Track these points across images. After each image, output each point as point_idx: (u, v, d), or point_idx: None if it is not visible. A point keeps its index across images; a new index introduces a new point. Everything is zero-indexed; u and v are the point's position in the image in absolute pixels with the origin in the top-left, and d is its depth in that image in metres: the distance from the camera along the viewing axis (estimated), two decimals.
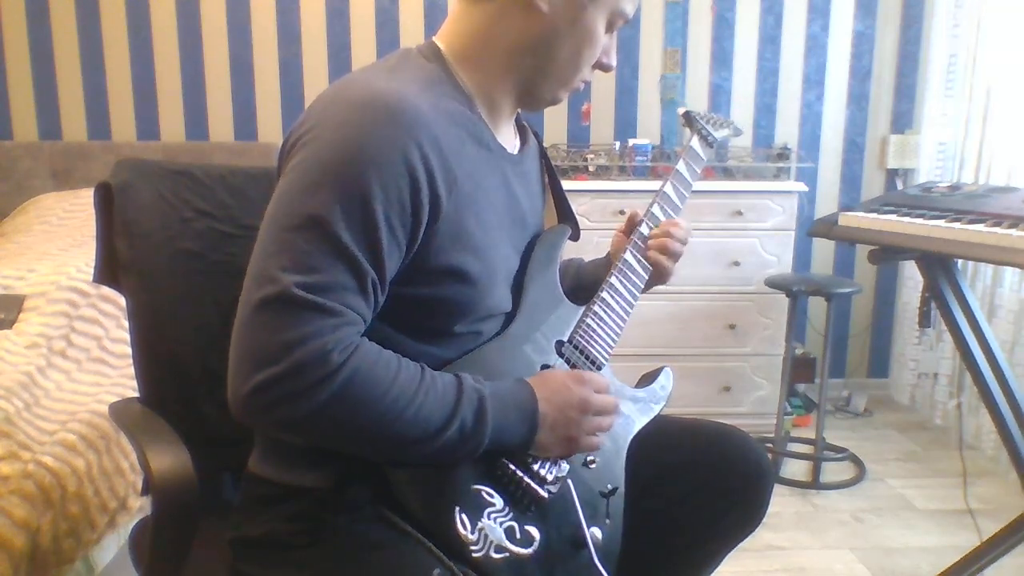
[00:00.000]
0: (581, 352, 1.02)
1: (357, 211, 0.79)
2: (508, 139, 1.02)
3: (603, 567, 0.97)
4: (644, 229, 1.13)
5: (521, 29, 0.92)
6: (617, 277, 1.09)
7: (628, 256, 1.11)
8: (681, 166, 1.21)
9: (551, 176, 1.16)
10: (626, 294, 1.09)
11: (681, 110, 1.33)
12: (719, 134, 1.29)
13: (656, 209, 1.16)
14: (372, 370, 0.80)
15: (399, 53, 0.95)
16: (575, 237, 1.14)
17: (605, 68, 1.00)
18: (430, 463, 0.86)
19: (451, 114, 0.90)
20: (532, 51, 0.93)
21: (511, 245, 1.00)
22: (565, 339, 1.03)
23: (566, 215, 1.14)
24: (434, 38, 0.97)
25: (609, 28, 0.96)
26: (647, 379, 1.16)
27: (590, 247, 2.76)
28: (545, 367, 0.99)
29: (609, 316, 1.06)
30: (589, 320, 1.04)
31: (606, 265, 1.17)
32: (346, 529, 0.87)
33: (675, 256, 1.13)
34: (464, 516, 0.87)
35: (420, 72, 0.91)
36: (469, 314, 0.93)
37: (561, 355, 1.01)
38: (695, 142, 1.25)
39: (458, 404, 0.84)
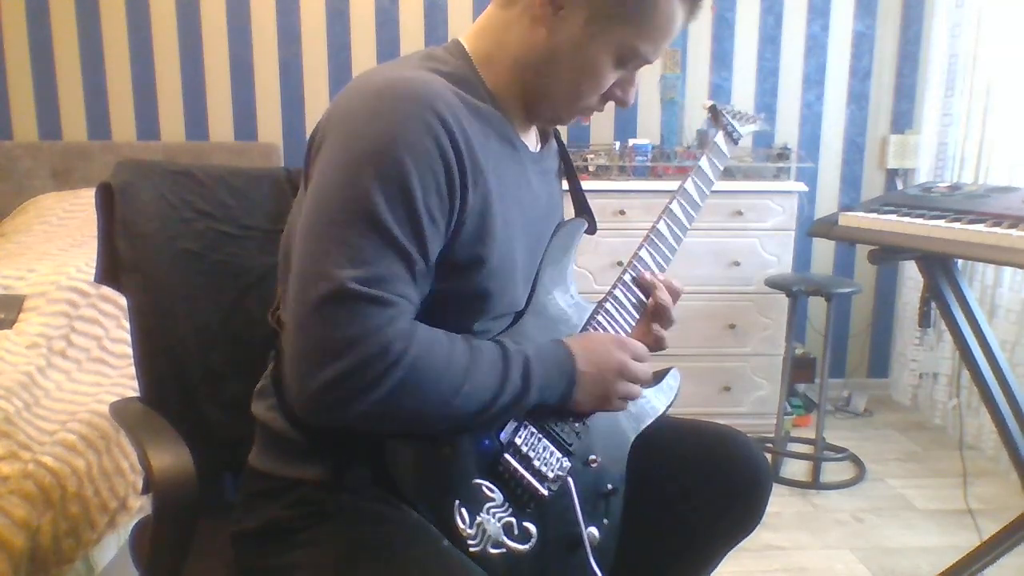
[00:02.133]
0: None
1: (398, 198, 0.80)
2: (529, 138, 1.02)
3: (598, 567, 0.97)
4: (662, 227, 1.12)
5: (528, 41, 0.91)
6: (630, 274, 1.08)
7: (643, 253, 1.09)
8: (704, 163, 1.19)
9: (569, 172, 1.16)
10: (638, 292, 1.08)
11: (707, 103, 1.29)
12: (745, 129, 1.26)
13: (675, 207, 1.14)
14: (430, 353, 0.81)
15: (424, 52, 0.96)
16: (591, 231, 1.14)
17: (619, 102, 0.98)
18: (485, 426, 0.89)
19: (476, 109, 0.90)
20: (534, 67, 0.92)
21: (532, 242, 1.00)
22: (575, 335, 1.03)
23: (583, 209, 1.14)
24: (460, 37, 0.97)
25: (621, 64, 0.93)
26: (654, 378, 1.15)
27: (589, 247, 2.77)
28: None
29: (620, 313, 1.06)
30: (600, 317, 1.04)
31: None
32: (351, 506, 0.88)
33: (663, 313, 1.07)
34: (464, 510, 0.87)
35: (445, 67, 0.91)
36: (488, 310, 0.93)
37: None
38: (720, 138, 1.22)
39: (507, 370, 0.86)
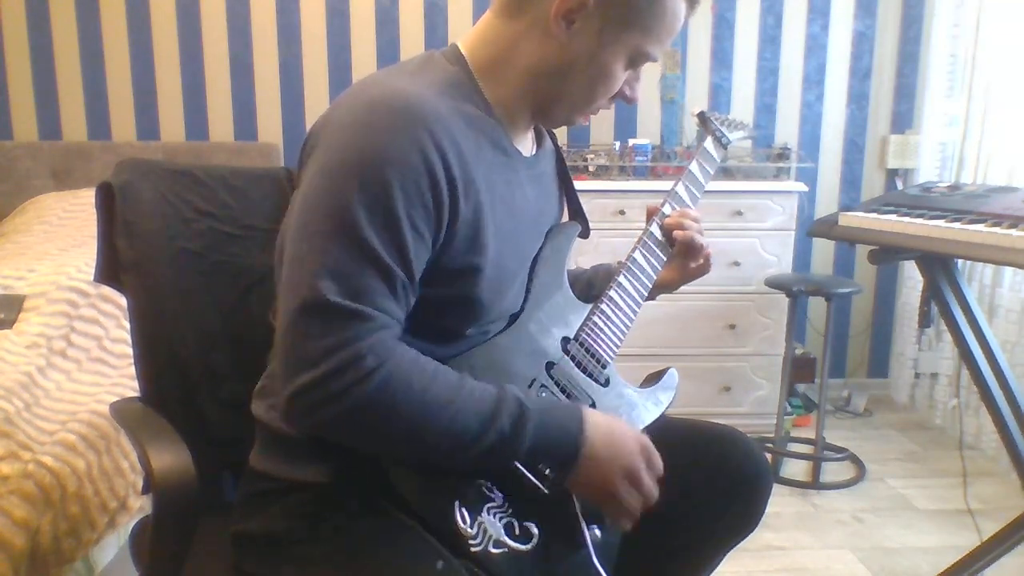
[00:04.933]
0: (587, 350, 1.02)
1: (379, 212, 0.80)
2: (524, 142, 1.02)
3: (600, 566, 0.97)
4: (654, 228, 1.13)
5: (540, 54, 0.92)
6: (626, 276, 1.08)
7: (637, 255, 1.10)
8: (694, 167, 1.21)
9: (564, 176, 1.16)
10: (634, 293, 1.09)
11: (695, 110, 1.32)
12: (733, 136, 1.28)
13: (667, 209, 1.15)
14: (408, 375, 0.80)
15: (423, 56, 0.96)
16: (585, 235, 1.14)
17: (627, 100, 1.00)
18: (466, 471, 0.87)
19: (469, 118, 0.90)
20: (547, 77, 0.93)
21: (526, 247, 1.00)
22: (571, 336, 1.03)
23: (576, 213, 1.15)
24: (458, 42, 0.97)
25: (631, 66, 0.95)
26: (652, 379, 1.16)
27: (589, 247, 2.76)
28: (550, 364, 0.99)
29: (616, 315, 1.06)
30: (596, 318, 1.04)
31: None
32: (347, 526, 0.88)
33: (692, 241, 1.12)
34: (464, 510, 0.87)
35: (442, 75, 0.91)
36: (483, 316, 0.93)
37: (567, 352, 1.01)
38: (709, 143, 1.24)
39: (496, 414, 0.83)
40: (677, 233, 1.12)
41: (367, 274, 0.79)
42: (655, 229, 1.13)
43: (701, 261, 1.16)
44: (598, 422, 0.89)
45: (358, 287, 0.79)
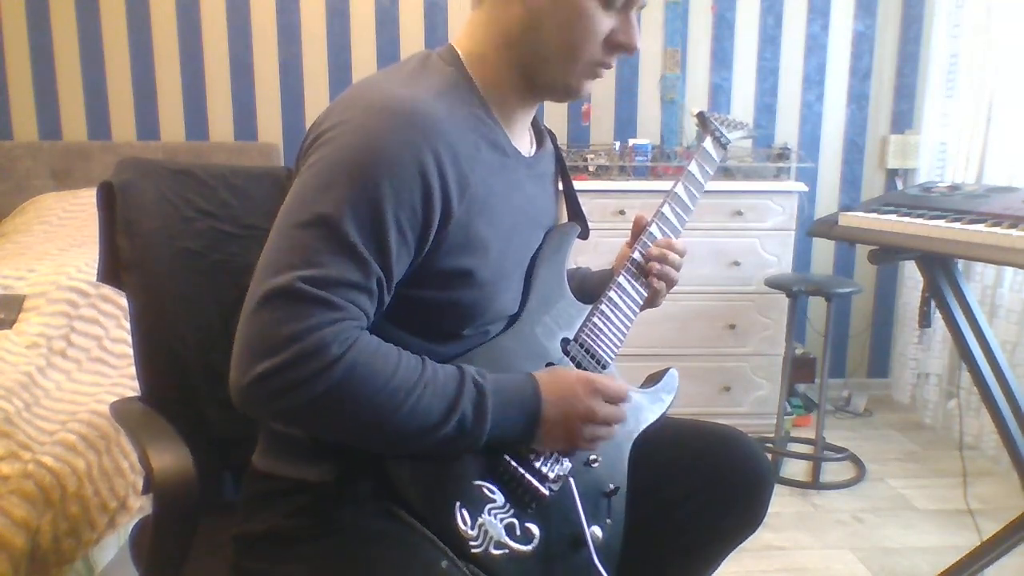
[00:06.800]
0: (587, 351, 1.02)
1: (367, 211, 0.80)
2: (523, 142, 1.02)
3: (602, 566, 0.97)
4: (654, 230, 1.13)
5: (508, 21, 0.92)
6: (625, 277, 1.08)
7: (637, 256, 1.10)
8: (693, 167, 1.20)
9: (564, 177, 1.15)
10: (634, 294, 1.09)
11: (695, 110, 1.31)
12: (733, 136, 1.27)
13: (667, 210, 1.15)
14: (371, 363, 0.80)
15: (420, 57, 0.96)
16: (584, 236, 1.14)
17: (624, 48, 0.95)
18: (430, 454, 0.86)
19: (467, 119, 0.90)
20: (522, 40, 0.92)
21: (525, 247, 1.00)
22: (571, 337, 1.03)
23: (576, 214, 1.15)
24: (452, 42, 0.97)
25: (607, 6, 0.91)
26: (652, 379, 1.16)
27: (589, 247, 2.76)
28: (549, 365, 0.98)
29: (616, 316, 1.06)
30: (596, 319, 1.04)
31: (611, 276, 1.16)
32: (351, 523, 0.88)
33: (670, 278, 1.12)
34: (465, 512, 0.87)
35: (439, 77, 0.91)
36: (479, 317, 0.93)
37: (567, 353, 1.01)
38: (708, 143, 1.24)
39: (458, 398, 0.84)
40: (653, 266, 1.10)
41: (343, 266, 0.79)
42: (655, 230, 1.12)
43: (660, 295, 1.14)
44: (546, 383, 0.91)
45: (331, 277, 0.78)
